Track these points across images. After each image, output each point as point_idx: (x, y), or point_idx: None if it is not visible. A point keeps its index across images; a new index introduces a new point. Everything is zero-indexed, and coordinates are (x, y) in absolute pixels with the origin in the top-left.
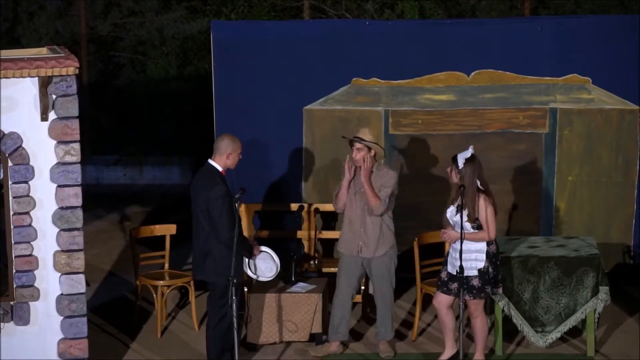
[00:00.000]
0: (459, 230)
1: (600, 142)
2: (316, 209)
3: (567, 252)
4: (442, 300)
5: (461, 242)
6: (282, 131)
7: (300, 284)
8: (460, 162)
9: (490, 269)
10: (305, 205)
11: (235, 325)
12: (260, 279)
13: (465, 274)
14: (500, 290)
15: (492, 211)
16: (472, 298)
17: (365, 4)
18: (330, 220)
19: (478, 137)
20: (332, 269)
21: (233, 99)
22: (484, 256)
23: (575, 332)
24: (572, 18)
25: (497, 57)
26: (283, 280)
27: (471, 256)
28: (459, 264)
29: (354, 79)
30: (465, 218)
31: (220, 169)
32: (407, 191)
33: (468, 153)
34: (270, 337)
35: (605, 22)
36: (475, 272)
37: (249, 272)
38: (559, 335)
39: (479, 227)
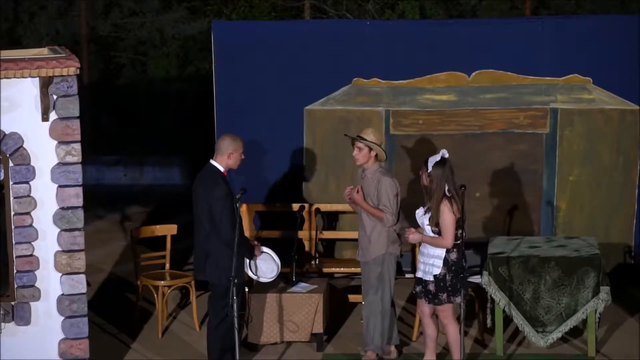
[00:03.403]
0: (425, 233)
1: (601, 142)
2: (317, 209)
3: (568, 252)
4: (424, 310)
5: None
6: (283, 131)
7: (301, 284)
8: (429, 166)
9: (447, 277)
10: (306, 206)
11: (236, 325)
12: (261, 279)
13: (424, 278)
14: (458, 299)
15: (452, 219)
16: (427, 302)
17: (366, 4)
18: (331, 220)
19: (479, 137)
20: (333, 269)
21: (234, 99)
22: (441, 262)
23: (576, 332)
24: (572, 18)
25: (497, 58)
26: (284, 280)
27: (429, 261)
28: (420, 267)
29: (354, 79)
30: (427, 221)
31: (221, 169)
32: (407, 191)
33: (438, 157)
34: (271, 337)
35: (606, 23)
36: (431, 278)
37: (250, 273)
38: (559, 335)
39: (440, 233)
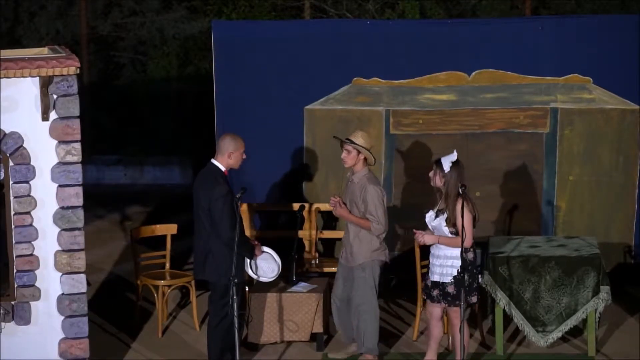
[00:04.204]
0: (437, 235)
1: (601, 142)
2: (317, 209)
3: (568, 252)
4: (432, 312)
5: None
6: (283, 131)
7: (301, 283)
8: (446, 166)
9: (465, 277)
10: (306, 205)
11: (236, 325)
12: (261, 279)
13: (441, 280)
14: (474, 299)
15: (469, 218)
16: (447, 305)
17: (366, 3)
18: (331, 220)
19: (479, 137)
20: (333, 269)
21: (234, 99)
22: (459, 263)
23: (576, 331)
24: (572, 18)
25: (497, 57)
26: (284, 280)
27: (447, 262)
28: (435, 270)
29: (354, 78)
30: (444, 223)
31: (222, 168)
32: (407, 191)
33: (454, 157)
34: (271, 336)
35: (606, 22)
36: (451, 279)
37: (250, 273)
38: (559, 335)
39: (457, 233)
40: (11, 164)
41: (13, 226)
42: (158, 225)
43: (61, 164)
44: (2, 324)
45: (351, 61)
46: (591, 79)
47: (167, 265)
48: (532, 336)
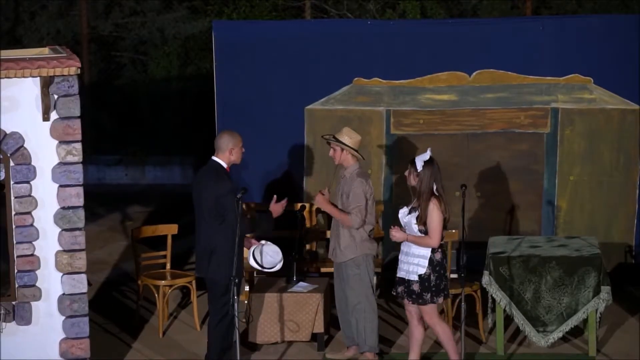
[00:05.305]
0: (408, 232)
1: (602, 142)
2: (318, 209)
3: (569, 252)
4: (412, 311)
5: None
6: (284, 131)
7: (302, 283)
8: (419, 165)
9: (432, 277)
10: (307, 205)
11: (236, 324)
12: (266, 266)
13: (407, 278)
14: (441, 300)
15: (441, 218)
16: (411, 302)
17: (366, 3)
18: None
19: (479, 137)
20: (333, 269)
21: (234, 99)
22: (426, 262)
23: (577, 331)
24: (573, 18)
25: (498, 57)
26: (285, 279)
27: (414, 260)
28: (402, 266)
29: (355, 78)
30: (414, 220)
31: (225, 165)
32: (407, 191)
33: (426, 156)
34: (271, 336)
35: (607, 22)
36: (416, 277)
37: (254, 264)
38: (560, 335)
39: (426, 232)
40: (12, 164)
41: (14, 226)
42: (159, 225)
43: (62, 164)
44: (3, 324)
45: (352, 61)
46: (592, 79)
47: (168, 265)
48: (532, 336)
